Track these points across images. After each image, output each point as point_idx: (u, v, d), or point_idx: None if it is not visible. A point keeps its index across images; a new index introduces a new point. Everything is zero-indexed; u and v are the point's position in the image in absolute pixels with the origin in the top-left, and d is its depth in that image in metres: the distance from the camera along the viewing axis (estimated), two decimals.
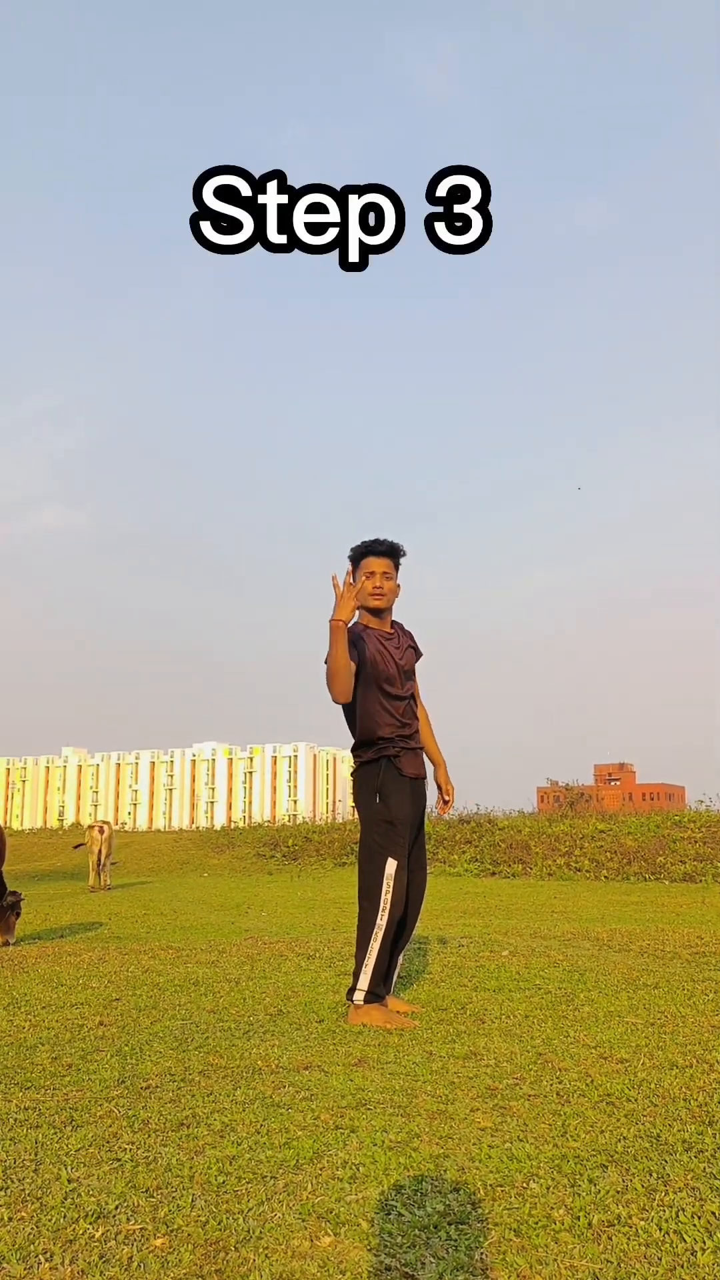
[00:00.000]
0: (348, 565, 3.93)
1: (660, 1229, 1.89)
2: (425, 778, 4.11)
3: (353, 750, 4.05)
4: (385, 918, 3.79)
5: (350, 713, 3.99)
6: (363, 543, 4.04)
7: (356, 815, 4.11)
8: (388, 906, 3.79)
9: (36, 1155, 2.30)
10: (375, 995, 3.78)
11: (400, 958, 4.03)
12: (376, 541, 4.03)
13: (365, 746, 3.97)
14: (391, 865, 3.82)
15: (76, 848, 16.26)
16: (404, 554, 4.08)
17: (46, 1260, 1.77)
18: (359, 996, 3.77)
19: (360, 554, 4.03)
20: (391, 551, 4.04)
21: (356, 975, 3.81)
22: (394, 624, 4.15)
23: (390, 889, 3.80)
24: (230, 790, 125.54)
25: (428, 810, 4.21)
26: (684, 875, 14.82)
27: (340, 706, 3.96)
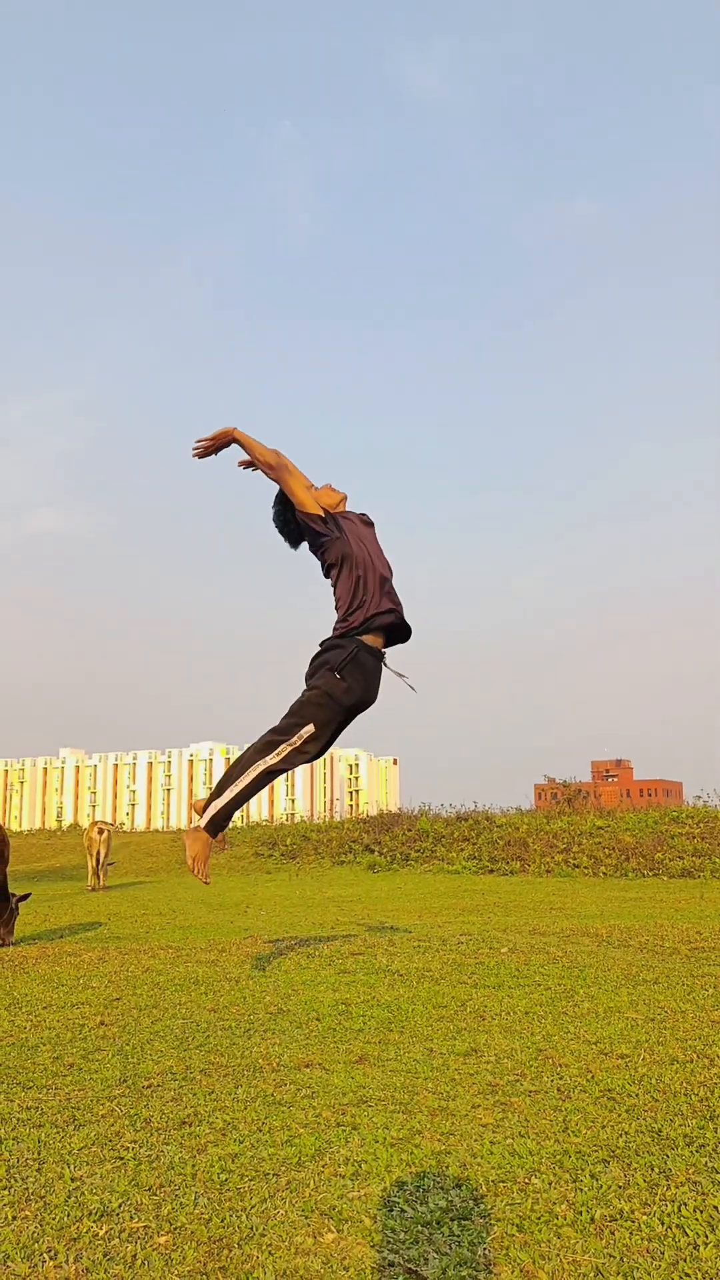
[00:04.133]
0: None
1: (662, 1223, 1.90)
2: (384, 656, 4.15)
3: (338, 623, 4.11)
4: (272, 761, 3.86)
5: (347, 588, 4.06)
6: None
7: (312, 670, 4.11)
8: (282, 755, 3.87)
9: (39, 1154, 2.31)
10: (216, 829, 3.89)
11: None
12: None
13: (340, 627, 4.05)
14: (309, 730, 3.90)
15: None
16: None
17: (51, 1258, 1.78)
18: (204, 823, 3.87)
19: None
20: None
21: (212, 799, 3.89)
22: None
23: (296, 745, 3.88)
24: None
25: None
26: (682, 871, 14.84)
27: (330, 580, 4.11)
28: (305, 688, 4.02)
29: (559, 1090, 2.78)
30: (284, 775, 4.03)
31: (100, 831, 13.48)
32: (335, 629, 4.08)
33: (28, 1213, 1.97)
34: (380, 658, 4.08)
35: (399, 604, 4.11)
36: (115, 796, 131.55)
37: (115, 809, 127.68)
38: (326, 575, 4.17)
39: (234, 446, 4.16)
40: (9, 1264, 1.76)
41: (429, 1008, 3.95)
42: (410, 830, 18.93)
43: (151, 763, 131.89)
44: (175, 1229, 1.89)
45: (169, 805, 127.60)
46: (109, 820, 16.64)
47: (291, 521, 4.21)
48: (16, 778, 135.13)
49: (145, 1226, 1.91)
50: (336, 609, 4.11)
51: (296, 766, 3.93)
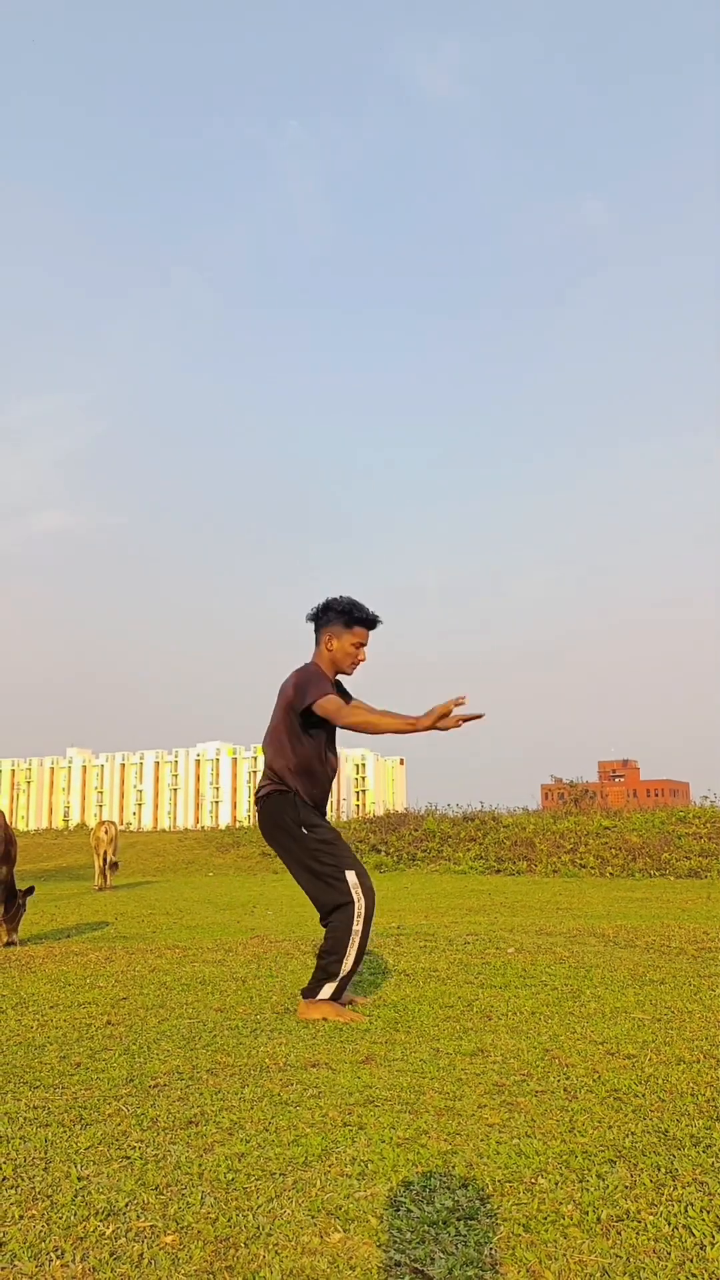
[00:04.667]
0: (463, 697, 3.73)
1: (669, 1224, 1.90)
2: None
3: (267, 776, 4.06)
4: (358, 925, 3.80)
5: (292, 741, 3.99)
6: (362, 611, 4.06)
7: (278, 852, 4.06)
8: (362, 912, 3.81)
9: (46, 1154, 2.31)
10: (337, 997, 3.85)
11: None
12: (374, 616, 4.08)
13: (286, 776, 3.98)
14: (352, 876, 3.84)
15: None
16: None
17: (58, 1257, 1.78)
18: (329, 998, 3.83)
19: (358, 620, 4.05)
20: (374, 624, 4.10)
21: (322, 982, 3.84)
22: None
23: (361, 894, 3.82)
24: (235, 790, 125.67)
25: (465, 703, 3.86)
26: (689, 871, 14.82)
27: (296, 723, 3.97)
28: (304, 854, 3.94)
29: (565, 1090, 2.78)
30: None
31: (106, 831, 13.50)
32: (266, 783, 4.08)
33: (34, 1211, 1.98)
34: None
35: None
36: (122, 796, 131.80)
37: (122, 809, 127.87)
38: (278, 704, 4.10)
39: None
40: (16, 1263, 1.76)
41: (435, 1007, 3.95)
42: (417, 830, 18.93)
43: (158, 763, 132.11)
44: (182, 1228, 1.90)
45: (176, 805, 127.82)
46: (115, 820, 16.61)
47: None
48: (24, 777, 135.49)
49: (152, 1226, 1.91)
50: (271, 749, 4.08)
51: (374, 903, 3.88)
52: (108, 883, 13.35)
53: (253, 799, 4.24)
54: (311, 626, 4.16)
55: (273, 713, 4.09)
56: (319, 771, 4.06)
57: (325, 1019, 3.73)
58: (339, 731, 4.07)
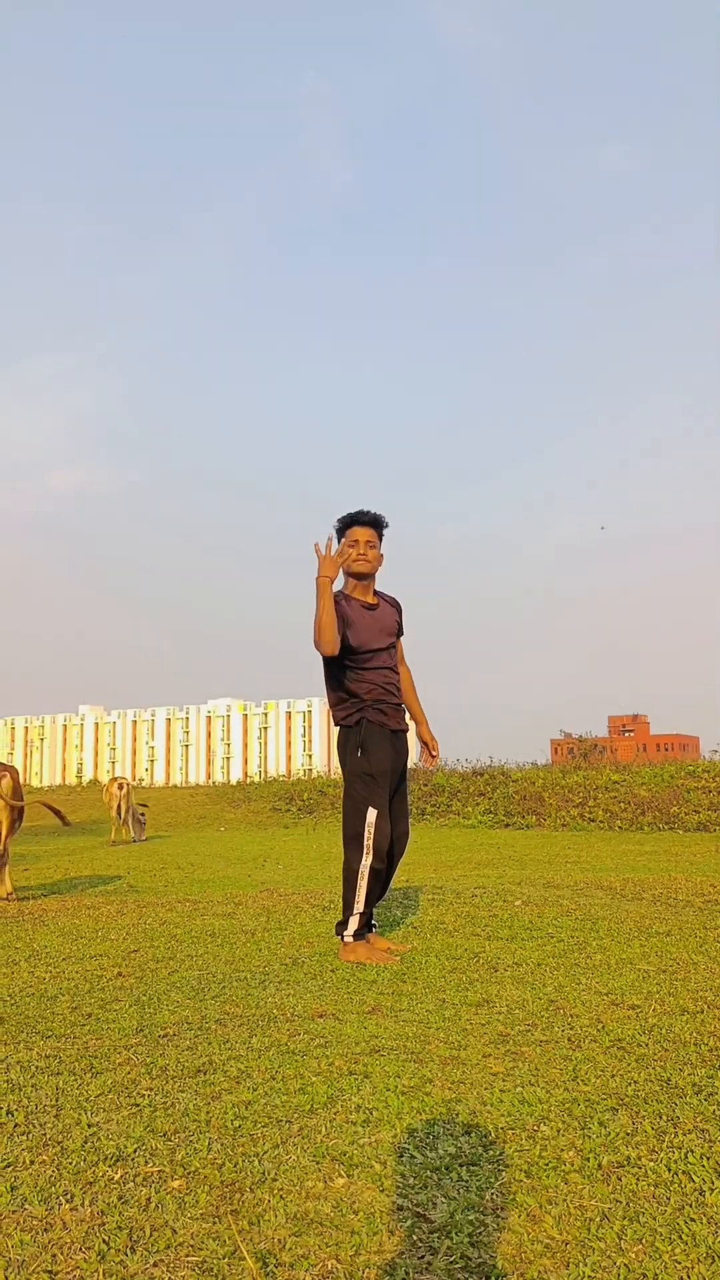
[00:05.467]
0: (331, 533, 4.19)
1: (669, 1170, 1.92)
2: (406, 731, 4.32)
3: (333, 710, 4.25)
4: (368, 861, 4.04)
5: (330, 674, 4.20)
6: (348, 513, 4.25)
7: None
8: (370, 852, 4.03)
9: (57, 1101, 2.35)
10: (360, 934, 4.08)
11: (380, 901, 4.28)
12: (361, 512, 4.25)
13: (345, 707, 4.17)
14: (373, 814, 4.05)
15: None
16: (387, 525, 4.30)
17: (67, 1201, 1.82)
18: (349, 936, 4.06)
19: (346, 524, 4.25)
20: (375, 522, 4.26)
21: (346, 915, 4.08)
22: (377, 594, 4.33)
23: (372, 836, 4.03)
24: (245, 745, 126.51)
25: (433, 766, 4.45)
26: (698, 825, 14.89)
27: (324, 665, 4.17)
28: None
29: (569, 1040, 2.81)
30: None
31: (120, 787, 13.66)
32: (335, 709, 4.26)
33: (45, 1157, 2.02)
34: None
35: (401, 712, 4.32)
36: (134, 753, 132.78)
37: (134, 765, 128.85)
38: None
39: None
40: (27, 1206, 1.80)
41: (442, 959, 3.99)
42: (426, 785, 19.03)
43: (170, 719, 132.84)
44: (189, 1173, 1.93)
45: (187, 761, 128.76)
46: (128, 776, 16.71)
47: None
48: (37, 734, 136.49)
49: (159, 1171, 1.94)
50: (329, 681, 4.25)
51: (387, 843, 4.09)
52: (123, 837, 13.50)
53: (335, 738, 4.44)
54: None
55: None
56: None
57: (360, 962, 3.95)
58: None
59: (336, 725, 4.24)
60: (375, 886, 4.08)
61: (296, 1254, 1.63)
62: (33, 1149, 2.06)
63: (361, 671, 4.15)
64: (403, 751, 4.28)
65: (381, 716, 4.15)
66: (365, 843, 4.03)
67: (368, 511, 4.24)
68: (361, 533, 4.20)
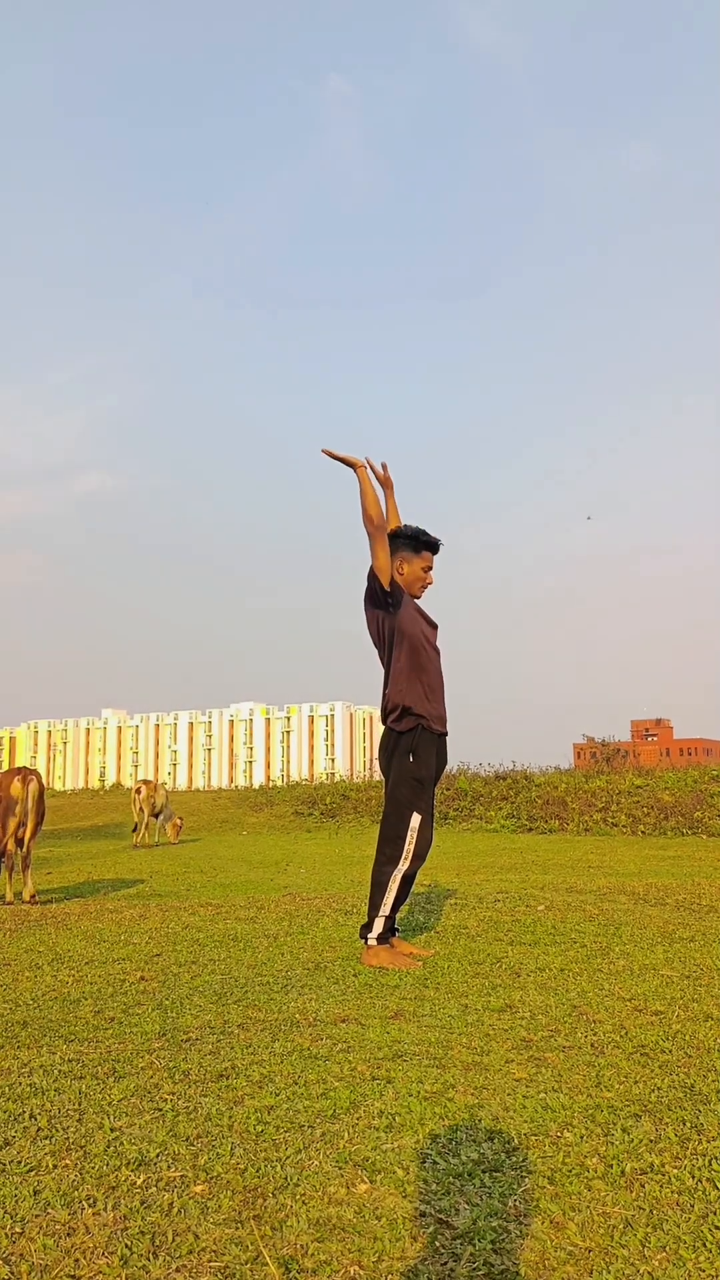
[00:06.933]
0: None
1: (693, 1177, 1.91)
2: (447, 735, 4.30)
3: (386, 713, 4.22)
4: (404, 867, 4.04)
5: (391, 673, 4.17)
6: (426, 533, 4.27)
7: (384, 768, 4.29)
8: (408, 857, 4.04)
9: (80, 1105, 2.36)
10: (384, 939, 4.07)
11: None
12: (435, 538, 4.29)
13: (402, 713, 4.13)
14: (417, 819, 4.06)
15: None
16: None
17: (90, 1206, 1.82)
18: (373, 940, 4.05)
19: (424, 544, 4.27)
20: (438, 549, 4.32)
21: (372, 918, 4.07)
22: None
23: (413, 841, 4.04)
24: (268, 749, 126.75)
25: (452, 768, 4.45)
26: None
27: (388, 657, 4.14)
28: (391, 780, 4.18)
29: (592, 1046, 2.80)
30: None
31: (139, 792, 13.79)
32: (392, 714, 4.18)
33: (68, 1161, 2.03)
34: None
35: (445, 717, 4.26)
36: (157, 756, 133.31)
37: (157, 769, 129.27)
38: (377, 644, 4.22)
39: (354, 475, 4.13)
40: (50, 1210, 1.81)
41: (465, 964, 3.98)
42: (449, 789, 18.98)
43: (192, 723, 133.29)
44: (211, 1178, 1.93)
45: (209, 765, 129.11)
46: (151, 779, 16.72)
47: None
48: (60, 738, 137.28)
49: (182, 1176, 1.95)
50: (390, 685, 4.18)
51: (428, 849, 4.10)
52: (146, 841, 13.57)
53: (377, 748, 4.43)
54: None
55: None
56: None
57: (384, 967, 3.93)
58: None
59: (386, 725, 4.23)
60: (403, 891, 4.09)
61: (319, 1260, 1.63)
62: (56, 1153, 2.07)
63: (424, 663, 4.15)
64: (444, 756, 4.30)
65: (433, 722, 4.16)
66: (405, 847, 4.03)
67: (440, 540, 4.30)
68: (432, 559, 4.29)
